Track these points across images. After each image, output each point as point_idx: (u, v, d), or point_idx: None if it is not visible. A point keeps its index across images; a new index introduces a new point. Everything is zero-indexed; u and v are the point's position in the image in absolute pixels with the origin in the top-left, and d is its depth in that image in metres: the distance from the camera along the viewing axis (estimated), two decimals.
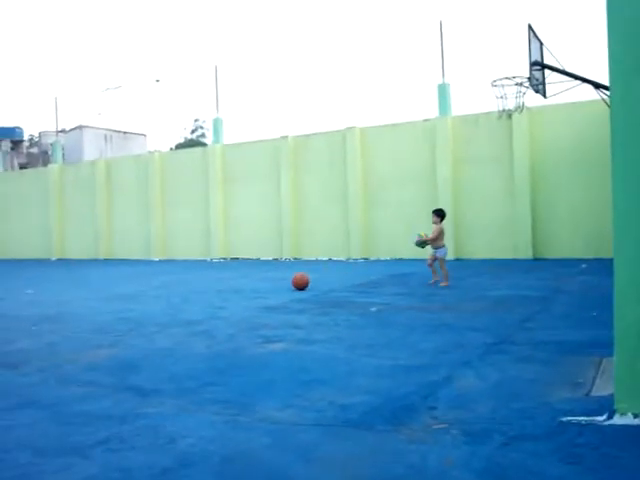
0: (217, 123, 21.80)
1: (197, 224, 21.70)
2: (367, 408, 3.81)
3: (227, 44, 78.20)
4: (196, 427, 3.56)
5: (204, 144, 32.88)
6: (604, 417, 3.40)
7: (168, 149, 43.11)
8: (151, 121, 68.50)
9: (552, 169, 16.10)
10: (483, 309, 7.74)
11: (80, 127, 35.71)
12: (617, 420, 3.35)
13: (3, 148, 37.87)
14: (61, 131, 32.17)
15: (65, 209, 25.06)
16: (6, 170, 32.23)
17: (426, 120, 18.00)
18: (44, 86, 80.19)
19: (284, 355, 5.44)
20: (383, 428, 3.45)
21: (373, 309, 7.95)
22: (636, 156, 3.36)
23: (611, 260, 3.49)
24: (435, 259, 10.53)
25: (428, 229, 10.98)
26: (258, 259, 20.18)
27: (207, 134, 52.54)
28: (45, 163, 32.85)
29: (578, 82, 10.90)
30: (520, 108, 11.48)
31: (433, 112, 17.93)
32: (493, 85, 11.27)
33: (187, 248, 21.88)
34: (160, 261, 21.42)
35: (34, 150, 41.87)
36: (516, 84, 11.03)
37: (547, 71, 10.85)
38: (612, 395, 3.50)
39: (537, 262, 15.18)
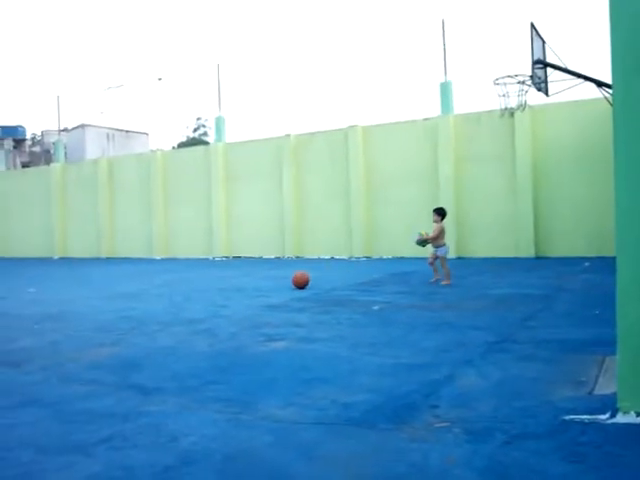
0: (219, 121, 21.80)
1: (199, 223, 21.71)
2: (369, 406, 3.81)
3: (229, 42, 78.22)
4: (198, 425, 3.56)
5: (206, 143, 32.91)
6: (607, 416, 3.39)
7: (170, 148, 43.13)
8: (153, 120, 68.55)
9: (554, 167, 16.08)
10: (485, 307, 7.73)
11: (82, 126, 35.76)
12: (620, 419, 3.35)
13: (6, 147, 37.93)
14: (63, 130, 32.20)
15: (67, 208, 25.08)
16: (8, 169, 32.27)
17: (428, 119, 17.98)
18: (46, 85, 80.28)
19: (286, 353, 5.44)
20: (385, 426, 3.45)
21: (375, 307, 7.95)
22: (639, 154, 3.36)
23: (614, 258, 3.49)
24: (436, 258, 10.53)
25: (430, 228, 10.96)
26: (260, 257, 20.18)
27: (209, 132, 52.54)
28: (47, 162, 32.89)
29: (580, 80, 10.88)
30: (522, 106, 11.46)
31: (435, 110, 17.93)
32: (495, 83, 11.25)
33: (189, 247, 21.90)
34: (162, 260, 21.43)
35: (36, 149, 41.95)
36: (518, 82, 11.01)
37: (549, 69, 10.84)
38: (615, 393, 3.50)
39: (539, 260, 15.16)
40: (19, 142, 40.74)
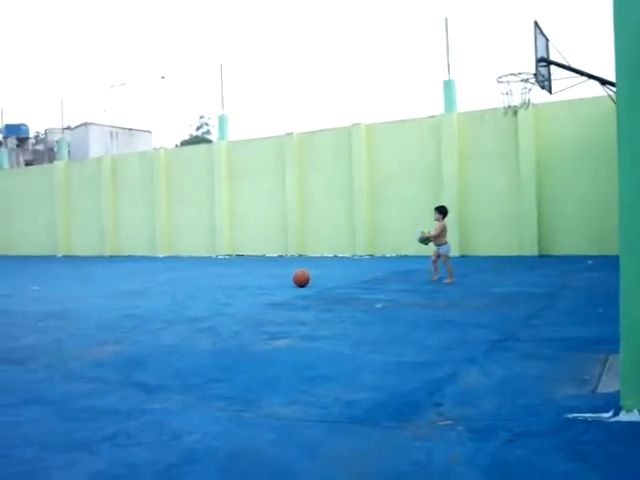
0: (222, 120, 21.82)
1: (202, 221, 21.73)
2: (372, 404, 3.81)
3: (232, 41, 78.20)
4: (201, 423, 3.57)
5: (209, 141, 32.91)
6: (610, 414, 3.39)
7: (173, 146, 43.16)
8: (156, 118, 68.65)
9: (558, 166, 16.05)
10: (488, 306, 7.73)
11: (86, 124, 35.82)
12: (623, 417, 3.35)
13: (9, 145, 38.01)
14: (67, 128, 32.26)
15: (71, 206, 25.13)
16: (12, 167, 32.33)
17: (432, 116, 17.96)
18: (50, 83, 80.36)
19: (289, 351, 5.44)
20: (388, 424, 3.45)
21: (378, 306, 7.95)
22: None
23: (617, 257, 3.48)
24: (439, 256, 10.54)
25: (433, 226, 10.95)
26: (263, 256, 20.19)
27: (212, 131, 52.58)
28: (51, 160, 32.94)
29: (584, 78, 10.86)
30: (526, 104, 11.44)
31: (439, 108, 17.91)
32: (499, 81, 11.24)
33: (192, 245, 21.93)
34: (165, 257, 21.46)
35: (40, 147, 42.03)
36: (522, 80, 11.00)
37: (553, 67, 10.81)
38: (618, 392, 3.49)
39: (542, 259, 15.14)
40: (22, 140, 40.83)
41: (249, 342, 5.91)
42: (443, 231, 10.49)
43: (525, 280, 10.47)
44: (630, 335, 3.39)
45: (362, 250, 18.55)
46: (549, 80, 10.94)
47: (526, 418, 3.45)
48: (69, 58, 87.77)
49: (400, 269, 13.26)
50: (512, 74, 11.05)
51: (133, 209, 23.46)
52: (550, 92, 11.07)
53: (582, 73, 10.77)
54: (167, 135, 71.25)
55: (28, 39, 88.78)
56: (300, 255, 19.47)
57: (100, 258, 22.60)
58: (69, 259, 22.75)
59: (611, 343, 4.54)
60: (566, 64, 10.68)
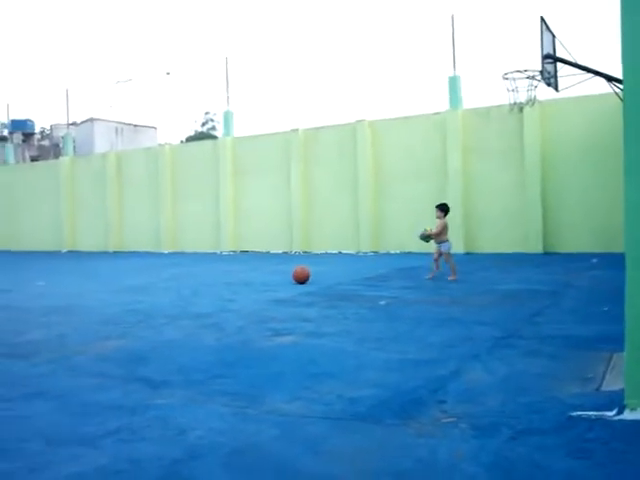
0: (228, 116, 21.82)
1: (207, 217, 21.75)
2: (376, 401, 3.81)
3: (238, 37, 78.14)
4: (205, 419, 3.57)
5: (214, 137, 32.88)
6: (614, 412, 3.38)
7: (178, 142, 43.16)
8: (162, 114, 68.65)
9: (563, 163, 16.00)
10: (491, 303, 7.72)
11: (91, 120, 35.86)
12: (627, 415, 3.34)
13: (15, 141, 38.11)
14: (72, 124, 32.31)
15: (76, 201, 25.18)
16: (17, 162, 32.41)
17: (437, 113, 17.92)
18: (55, 79, 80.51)
19: (293, 348, 5.45)
20: (392, 422, 3.45)
21: (382, 302, 7.95)
22: None
23: (622, 255, 3.47)
24: (440, 254, 10.53)
25: (435, 223, 10.92)
26: (268, 252, 20.20)
27: (218, 127, 52.52)
28: (56, 156, 33.01)
29: (590, 75, 10.79)
30: (532, 101, 11.40)
31: (444, 105, 17.87)
32: (504, 78, 11.18)
33: (197, 241, 21.95)
34: (170, 254, 21.49)
35: (45, 143, 42.10)
36: (528, 77, 10.94)
37: (559, 64, 10.76)
38: (622, 390, 3.49)
39: (547, 256, 15.10)
40: (28, 136, 40.89)
41: (253, 338, 5.92)
42: (444, 229, 10.49)
43: (529, 278, 10.45)
44: (635, 334, 3.38)
45: (366, 247, 18.54)
46: (555, 77, 10.88)
47: (529, 415, 3.45)
48: (75, 54, 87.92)
49: (404, 266, 13.24)
50: (518, 71, 10.99)
51: (138, 205, 23.49)
52: (556, 89, 11.01)
53: (588, 70, 10.71)
54: (172, 131, 71.28)
55: (34, 35, 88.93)
56: (304, 252, 19.47)
57: (105, 254, 22.64)
58: (74, 255, 22.80)
59: (615, 342, 4.53)
60: (572, 61, 10.61)
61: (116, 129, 35.88)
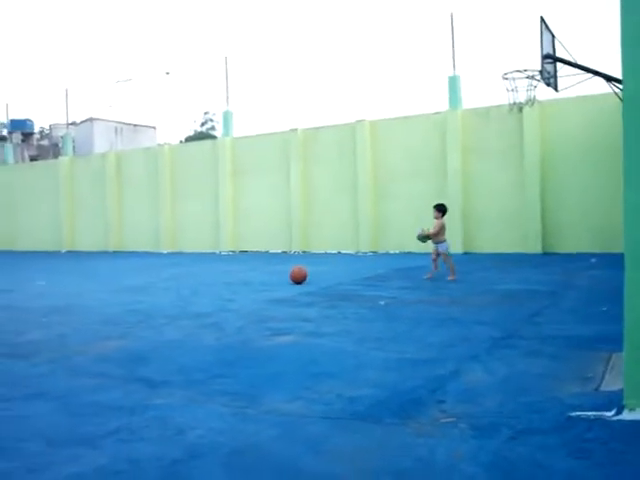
0: (227, 116, 21.81)
1: (206, 217, 21.74)
2: (375, 401, 3.82)
3: (237, 37, 78.13)
4: (205, 419, 3.58)
5: (214, 137, 32.89)
6: (613, 412, 3.39)
7: (178, 142, 43.18)
8: (161, 114, 68.61)
9: (562, 163, 16.00)
10: (490, 303, 7.72)
11: (90, 119, 35.83)
12: (626, 415, 3.34)
13: (14, 140, 38.07)
14: (72, 123, 32.30)
15: (75, 201, 25.17)
16: (17, 162, 32.38)
17: (436, 113, 17.92)
18: (55, 78, 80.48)
19: (293, 348, 5.45)
20: (391, 421, 3.46)
21: (381, 302, 7.95)
22: None
23: (621, 255, 3.47)
24: (438, 254, 10.53)
25: (433, 224, 10.93)
26: (267, 252, 20.20)
27: (217, 127, 52.52)
28: (56, 155, 32.99)
29: (590, 75, 10.79)
30: (531, 101, 11.39)
31: (444, 105, 17.87)
32: (504, 78, 11.18)
33: (196, 241, 21.94)
34: (169, 254, 21.48)
35: (45, 142, 42.05)
36: (527, 77, 10.94)
37: (559, 64, 10.76)
38: (621, 390, 3.49)
39: (546, 256, 15.10)
40: (27, 135, 40.84)
41: (253, 338, 5.92)
42: (442, 229, 10.50)
43: (528, 278, 10.46)
44: (634, 334, 3.38)
45: (366, 247, 18.54)
46: (555, 77, 10.87)
47: (529, 415, 3.45)
48: (74, 54, 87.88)
49: (403, 266, 13.24)
50: (517, 71, 10.99)
51: (137, 205, 23.48)
52: (556, 89, 11.01)
53: (588, 70, 10.70)
54: (172, 131, 71.31)
55: (33, 34, 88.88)
56: (304, 252, 19.47)
57: (104, 254, 22.63)
58: (73, 255, 22.79)
59: (615, 342, 4.54)
60: (572, 61, 10.61)
61: (115, 129, 35.86)
